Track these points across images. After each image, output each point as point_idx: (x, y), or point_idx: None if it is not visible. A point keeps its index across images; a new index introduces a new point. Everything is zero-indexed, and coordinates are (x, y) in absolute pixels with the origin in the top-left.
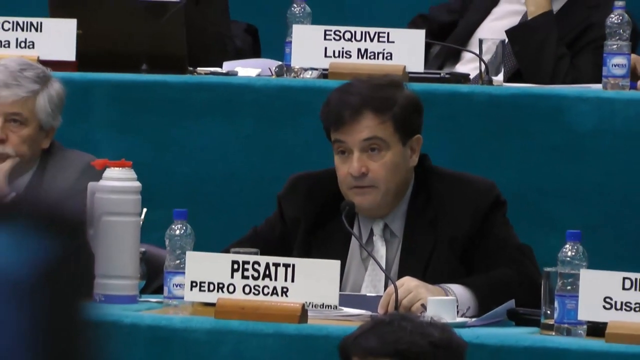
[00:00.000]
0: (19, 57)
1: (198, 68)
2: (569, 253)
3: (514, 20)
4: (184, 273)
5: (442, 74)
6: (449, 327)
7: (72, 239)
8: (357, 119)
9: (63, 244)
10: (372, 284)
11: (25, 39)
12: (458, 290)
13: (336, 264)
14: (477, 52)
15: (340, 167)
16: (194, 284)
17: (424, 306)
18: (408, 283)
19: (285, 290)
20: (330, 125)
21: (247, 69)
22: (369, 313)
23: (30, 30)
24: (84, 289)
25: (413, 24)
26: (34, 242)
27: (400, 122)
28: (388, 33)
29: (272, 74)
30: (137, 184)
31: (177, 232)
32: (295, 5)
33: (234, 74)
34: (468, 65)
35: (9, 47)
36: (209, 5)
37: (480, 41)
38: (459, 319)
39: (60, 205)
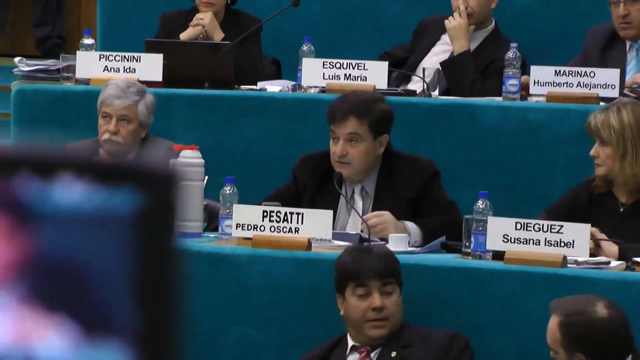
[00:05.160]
0: (126, 78)
1: (242, 86)
2: (481, 206)
3: (445, 56)
4: (231, 218)
5: (399, 90)
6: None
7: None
8: (344, 119)
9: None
10: (353, 225)
11: (130, 67)
12: (412, 226)
13: (330, 212)
14: (422, 77)
15: (332, 148)
16: (238, 225)
17: (385, 239)
18: (388, 216)
19: (297, 229)
20: (329, 121)
21: (273, 87)
22: (351, 244)
23: (133, 61)
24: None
25: (380, 58)
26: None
27: (373, 125)
28: (364, 64)
29: (289, 90)
30: (202, 160)
31: (228, 191)
32: (304, 46)
33: (264, 89)
34: (416, 84)
35: (118, 72)
36: (250, 46)
37: (424, 69)
38: (410, 248)
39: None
